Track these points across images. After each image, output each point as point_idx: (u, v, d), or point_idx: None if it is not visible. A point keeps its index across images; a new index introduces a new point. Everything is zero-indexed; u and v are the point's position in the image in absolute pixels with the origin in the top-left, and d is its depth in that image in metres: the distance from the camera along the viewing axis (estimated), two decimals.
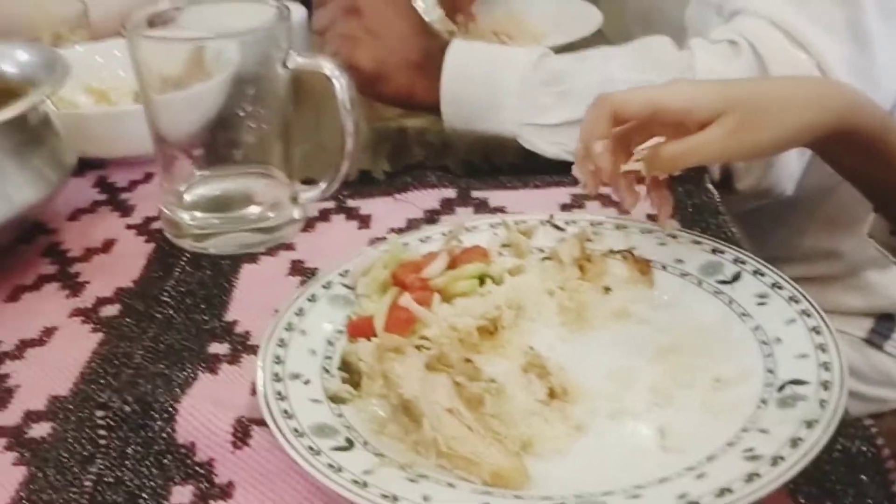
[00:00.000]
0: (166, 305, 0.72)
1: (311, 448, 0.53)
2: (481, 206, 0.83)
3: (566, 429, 0.56)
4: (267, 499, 0.55)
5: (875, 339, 1.05)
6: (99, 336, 0.70)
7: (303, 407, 0.57)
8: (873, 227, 0.74)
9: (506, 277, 0.68)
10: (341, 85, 0.75)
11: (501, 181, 0.87)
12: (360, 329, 0.64)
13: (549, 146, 0.87)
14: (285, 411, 0.56)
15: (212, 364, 0.65)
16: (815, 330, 0.60)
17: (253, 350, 0.66)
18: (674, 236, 0.71)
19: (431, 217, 0.82)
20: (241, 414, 0.59)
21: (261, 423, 0.57)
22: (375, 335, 0.63)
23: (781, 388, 0.56)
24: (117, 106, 0.99)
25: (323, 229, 0.82)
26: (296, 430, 0.54)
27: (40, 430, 0.61)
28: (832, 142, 0.67)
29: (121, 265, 0.79)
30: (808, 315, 0.61)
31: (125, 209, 0.88)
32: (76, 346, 0.69)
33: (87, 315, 0.72)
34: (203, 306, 0.72)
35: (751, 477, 0.49)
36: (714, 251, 0.69)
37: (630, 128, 0.66)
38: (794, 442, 0.51)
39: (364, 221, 0.82)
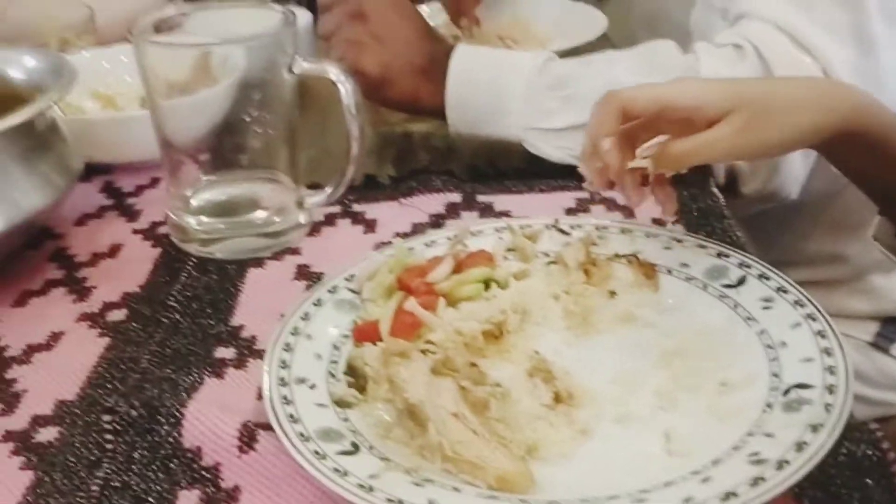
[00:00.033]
0: (173, 310, 0.72)
1: (316, 452, 0.53)
2: (486, 211, 0.84)
3: (571, 433, 0.56)
4: (273, 503, 0.55)
5: (881, 343, 1.05)
6: (105, 341, 0.70)
7: (308, 411, 0.57)
8: (878, 229, 0.74)
9: (511, 282, 0.68)
10: (347, 90, 0.75)
11: (506, 185, 0.87)
12: (365, 333, 0.64)
13: (554, 150, 0.87)
14: (291, 416, 0.56)
15: (218, 368, 0.66)
16: (821, 334, 0.60)
17: (259, 354, 0.66)
18: (679, 240, 0.71)
19: (437, 221, 0.82)
20: (248, 418, 0.59)
21: (267, 427, 0.57)
22: (381, 339, 0.63)
23: (787, 392, 0.56)
24: (124, 111, 1.00)
25: (329, 234, 0.82)
26: (302, 435, 0.54)
27: (47, 434, 0.61)
28: (839, 143, 0.67)
29: (127, 270, 0.79)
30: (814, 319, 0.61)
31: (132, 214, 0.88)
32: (83, 351, 0.69)
33: (94, 320, 0.73)
34: (209, 311, 0.72)
35: (756, 481, 0.49)
36: (719, 255, 0.69)
37: (635, 125, 0.66)
38: (800, 446, 0.51)
39: (369, 226, 0.83)
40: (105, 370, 0.66)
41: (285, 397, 0.57)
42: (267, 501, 0.55)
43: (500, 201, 0.85)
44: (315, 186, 0.81)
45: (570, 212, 0.82)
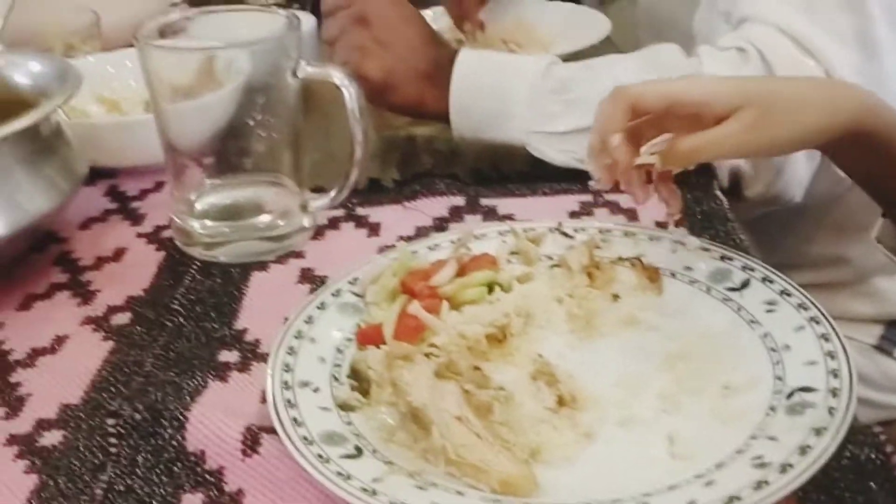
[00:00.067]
0: (176, 314, 0.72)
1: (320, 456, 0.53)
2: (490, 214, 0.84)
3: (575, 436, 0.56)
4: None
5: (885, 346, 1.05)
6: (109, 344, 0.70)
7: (312, 415, 0.57)
8: (881, 232, 0.73)
9: (514, 285, 0.69)
10: (351, 94, 0.76)
11: (510, 189, 0.87)
12: (369, 337, 0.64)
13: (557, 154, 0.87)
14: (295, 419, 0.56)
15: (222, 372, 0.66)
16: (824, 337, 0.60)
17: (263, 358, 0.66)
18: (682, 243, 0.71)
19: (440, 225, 0.82)
20: (251, 422, 0.59)
21: (270, 430, 0.57)
22: (384, 343, 0.63)
23: (790, 395, 0.56)
24: (128, 115, 1.00)
25: (332, 237, 0.82)
26: (305, 438, 0.54)
27: (51, 438, 0.61)
28: (846, 143, 0.67)
29: (131, 274, 0.79)
30: (817, 322, 0.61)
31: (136, 218, 0.88)
32: (87, 355, 0.69)
33: (98, 323, 0.73)
34: (213, 314, 0.72)
35: (759, 484, 0.49)
36: (723, 258, 0.69)
37: (641, 123, 0.66)
38: (803, 449, 0.51)
39: (373, 229, 0.83)
40: (109, 374, 0.67)
41: (289, 401, 0.58)
42: None
43: (504, 205, 0.85)
44: (319, 190, 0.81)
45: (573, 215, 0.82)
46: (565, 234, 0.74)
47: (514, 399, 0.57)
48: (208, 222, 0.79)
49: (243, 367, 0.66)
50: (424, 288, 0.67)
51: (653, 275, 0.69)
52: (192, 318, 0.72)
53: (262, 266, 0.78)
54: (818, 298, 0.63)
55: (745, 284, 0.67)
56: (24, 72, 0.83)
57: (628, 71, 0.87)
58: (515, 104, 0.88)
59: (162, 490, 0.57)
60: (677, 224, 0.72)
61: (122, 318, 0.73)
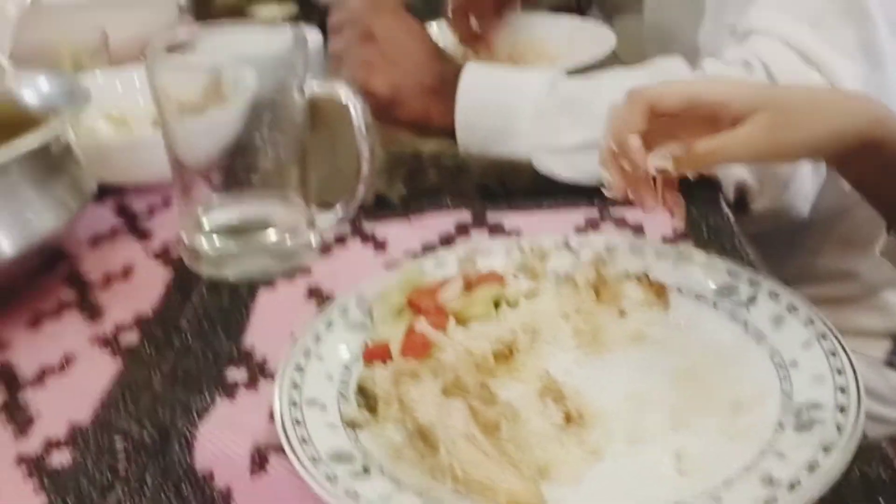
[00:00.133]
0: (184, 332, 0.73)
1: (328, 475, 0.53)
2: (496, 230, 0.84)
3: (582, 453, 0.56)
4: None
5: (894, 361, 1.04)
6: (118, 363, 0.70)
7: (319, 433, 0.57)
8: (885, 246, 0.73)
9: (521, 301, 0.69)
10: (357, 110, 0.76)
11: (516, 204, 0.87)
12: (376, 354, 0.65)
13: (563, 169, 0.87)
14: (303, 438, 0.56)
15: (229, 390, 0.66)
16: (832, 353, 0.60)
17: (270, 376, 0.66)
18: (689, 258, 0.71)
19: (447, 240, 0.82)
20: (259, 440, 0.59)
21: (278, 449, 0.57)
22: (391, 360, 0.63)
23: (798, 411, 0.56)
24: (136, 133, 1.00)
25: (339, 254, 0.82)
26: (313, 458, 0.54)
27: (60, 457, 0.61)
28: (857, 154, 0.66)
29: (140, 292, 0.79)
30: (825, 337, 0.61)
31: (144, 236, 0.88)
32: (96, 373, 0.69)
33: (107, 342, 0.73)
34: (221, 333, 0.72)
35: (768, 502, 0.49)
36: (729, 273, 0.69)
37: (650, 131, 0.65)
38: (812, 466, 0.51)
39: (380, 245, 0.83)
40: (118, 393, 0.67)
41: (296, 419, 0.58)
42: None
43: (510, 220, 0.85)
44: (326, 206, 0.82)
45: (580, 230, 0.82)
46: (572, 250, 0.74)
47: (521, 416, 0.57)
48: (216, 239, 0.80)
49: (251, 384, 0.66)
50: (431, 305, 0.67)
51: (659, 290, 0.69)
52: (199, 336, 0.72)
53: (269, 284, 0.78)
54: (826, 313, 0.63)
55: (751, 299, 0.67)
56: (33, 89, 0.84)
57: (633, 84, 0.87)
58: (521, 119, 0.88)
59: None
60: (681, 234, 0.71)
61: (130, 337, 0.73)
